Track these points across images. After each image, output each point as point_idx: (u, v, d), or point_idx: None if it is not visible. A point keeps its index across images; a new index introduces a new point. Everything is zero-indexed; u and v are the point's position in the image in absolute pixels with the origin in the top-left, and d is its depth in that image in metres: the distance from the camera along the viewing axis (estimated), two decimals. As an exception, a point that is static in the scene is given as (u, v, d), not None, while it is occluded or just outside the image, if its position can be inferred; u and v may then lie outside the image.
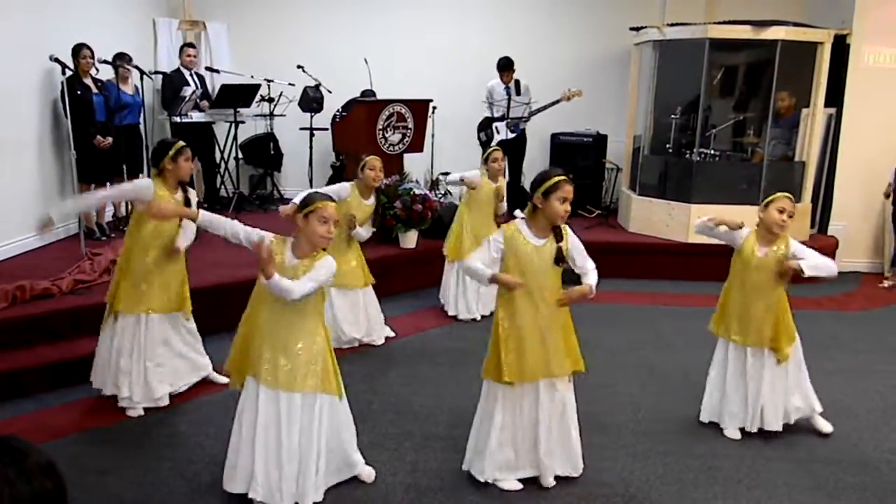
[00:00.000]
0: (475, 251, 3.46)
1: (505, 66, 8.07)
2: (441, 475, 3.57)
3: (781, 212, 3.86)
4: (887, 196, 7.20)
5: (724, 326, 4.08)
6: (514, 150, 8.32)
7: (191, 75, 7.91)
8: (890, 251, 7.36)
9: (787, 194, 3.95)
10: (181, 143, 4.14)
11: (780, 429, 4.01)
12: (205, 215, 3.69)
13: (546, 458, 3.43)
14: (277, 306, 3.07)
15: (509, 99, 8.09)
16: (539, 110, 8.11)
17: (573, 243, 3.36)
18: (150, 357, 4.14)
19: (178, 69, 7.89)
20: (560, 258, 3.29)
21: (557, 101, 7.96)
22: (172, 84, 7.75)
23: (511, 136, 8.19)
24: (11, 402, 4.20)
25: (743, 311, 3.96)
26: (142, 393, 4.14)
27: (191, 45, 8.13)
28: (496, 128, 8.20)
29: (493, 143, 8.08)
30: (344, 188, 5.05)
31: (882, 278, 7.28)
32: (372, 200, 5.21)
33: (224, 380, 4.51)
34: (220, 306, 4.72)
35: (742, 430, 4.06)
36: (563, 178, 3.23)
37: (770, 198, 3.93)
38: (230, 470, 3.24)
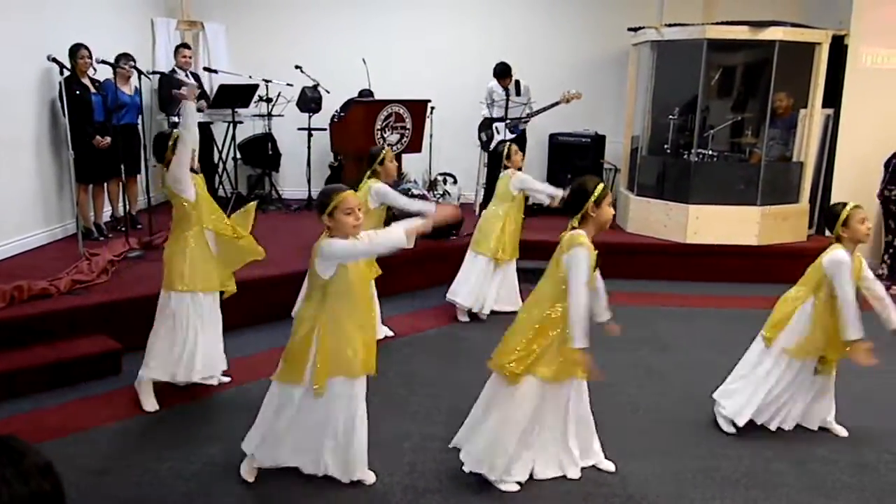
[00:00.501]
0: (580, 286, 3.29)
1: (501, 72, 8.05)
2: (439, 476, 3.57)
3: (863, 222, 3.82)
4: (880, 198, 7.20)
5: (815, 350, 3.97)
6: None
7: (186, 76, 7.91)
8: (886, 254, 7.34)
9: (855, 203, 3.88)
10: (178, 132, 4.14)
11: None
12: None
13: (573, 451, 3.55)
14: (345, 305, 3.20)
15: (508, 99, 8.09)
16: (538, 112, 8.11)
17: None
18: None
19: (174, 69, 7.90)
20: (596, 265, 3.38)
21: (556, 104, 7.97)
22: (169, 85, 7.74)
23: (511, 136, 8.19)
24: (8, 401, 4.19)
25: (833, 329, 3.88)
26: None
27: (186, 46, 8.12)
28: (496, 128, 8.20)
29: (493, 144, 8.08)
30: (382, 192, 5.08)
31: (879, 278, 7.27)
32: None
33: (226, 379, 4.50)
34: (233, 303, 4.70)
35: (738, 427, 4.10)
36: (605, 184, 3.36)
37: (845, 213, 3.81)
38: (269, 446, 3.35)
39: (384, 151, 5.18)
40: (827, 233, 7.77)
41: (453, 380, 4.71)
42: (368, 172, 5.14)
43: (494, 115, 8.22)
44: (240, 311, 4.87)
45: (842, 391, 4.50)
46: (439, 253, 6.57)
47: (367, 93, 8.20)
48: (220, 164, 8.50)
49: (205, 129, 8.15)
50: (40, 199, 6.33)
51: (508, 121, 8.12)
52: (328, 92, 8.44)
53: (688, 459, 3.80)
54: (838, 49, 7.58)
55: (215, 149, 8.42)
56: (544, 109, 8.07)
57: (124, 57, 6.70)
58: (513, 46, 8.51)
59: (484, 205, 6.79)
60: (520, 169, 5.91)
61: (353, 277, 3.21)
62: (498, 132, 8.19)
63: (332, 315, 3.20)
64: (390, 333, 5.50)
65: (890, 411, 4.47)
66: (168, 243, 4.24)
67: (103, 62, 6.26)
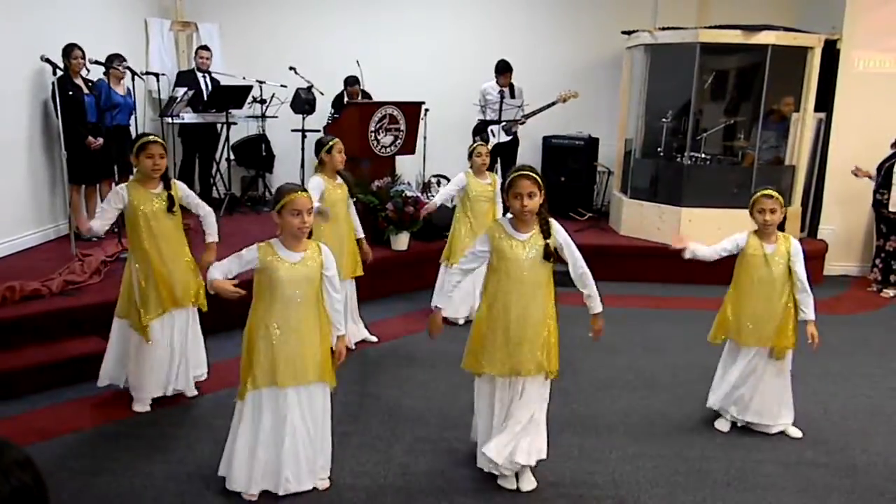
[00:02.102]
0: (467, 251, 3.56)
1: (503, 69, 8.10)
2: (431, 478, 3.57)
3: (761, 212, 3.92)
4: (855, 174, 7.22)
5: (734, 331, 4.09)
6: (507, 152, 8.33)
7: (203, 77, 7.97)
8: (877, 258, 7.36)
9: (765, 191, 3.96)
10: (147, 138, 4.06)
11: (769, 428, 4.09)
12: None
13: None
14: (287, 311, 3.18)
15: (502, 101, 8.10)
16: (535, 112, 8.12)
17: (562, 240, 3.36)
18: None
19: (192, 70, 8.05)
20: (548, 254, 3.30)
21: (553, 103, 7.99)
22: (183, 84, 7.81)
23: (506, 138, 8.21)
24: (1, 403, 4.18)
25: (753, 311, 4.00)
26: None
27: (205, 48, 8.27)
28: (491, 131, 8.21)
29: (489, 147, 8.10)
30: (317, 185, 4.86)
31: (870, 282, 7.30)
32: (340, 180, 5.06)
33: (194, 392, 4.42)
34: (210, 307, 4.68)
35: (733, 426, 4.16)
36: (518, 173, 3.27)
37: (751, 200, 3.99)
38: (242, 470, 3.29)
39: (334, 141, 4.99)
40: (819, 235, 7.82)
41: (446, 382, 4.71)
42: (316, 163, 5.03)
43: (488, 118, 8.24)
44: (234, 312, 4.86)
45: (833, 394, 4.54)
46: (431, 255, 6.57)
47: (352, 79, 8.21)
48: (214, 166, 8.49)
49: (212, 128, 8.19)
50: (33, 199, 6.31)
51: (503, 123, 8.13)
52: (322, 93, 8.44)
53: (679, 462, 3.81)
54: (831, 53, 7.61)
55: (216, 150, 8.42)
56: (541, 110, 8.08)
57: (117, 57, 6.69)
58: (507, 48, 8.51)
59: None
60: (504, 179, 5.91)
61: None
62: (493, 135, 8.20)
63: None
64: (373, 339, 5.48)
65: (879, 414, 4.50)
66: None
67: (96, 62, 6.25)
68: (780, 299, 3.97)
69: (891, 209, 6.98)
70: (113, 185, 6.76)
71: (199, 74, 8.05)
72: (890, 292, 7.11)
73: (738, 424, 4.15)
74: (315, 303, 3.25)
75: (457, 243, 5.78)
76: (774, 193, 3.94)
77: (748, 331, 4.03)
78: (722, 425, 4.18)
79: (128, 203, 4.01)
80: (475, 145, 5.93)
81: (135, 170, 4.18)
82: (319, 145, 4.99)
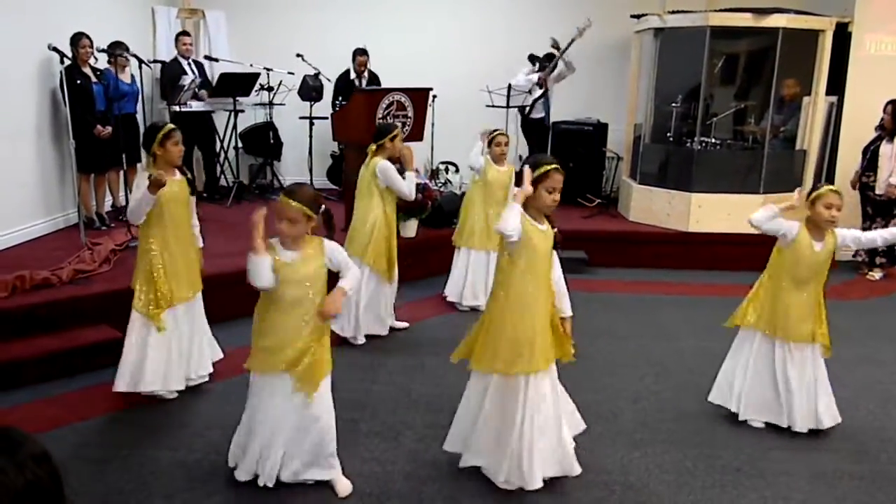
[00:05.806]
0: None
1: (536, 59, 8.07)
2: (440, 465, 3.57)
3: (829, 208, 3.78)
4: (854, 186, 7.13)
5: (761, 320, 3.97)
6: (537, 133, 8.18)
7: (188, 64, 7.88)
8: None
9: (832, 188, 3.84)
10: (169, 126, 4.04)
11: (806, 430, 3.94)
12: None
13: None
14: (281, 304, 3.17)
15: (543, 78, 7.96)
16: (563, 53, 7.77)
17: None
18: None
19: (176, 58, 7.87)
20: (556, 242, 3.24)
21: (573, 41, 7.60)
22: (170, 73, 7.73)
23: (539, 115, 8.05)
24: (11, 391, 4.20)
25: (787, 306, 3.89)
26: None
27: (185, 34, 8.08)
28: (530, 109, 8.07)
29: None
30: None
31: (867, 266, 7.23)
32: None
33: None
34: (219, 296, 4.69)
35: (767, 424, 4.03)
36: (553, 166, 3.16)
37: (816, 194, 3.83)
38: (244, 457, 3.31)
39: (398, 129, 5.11)
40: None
41: (455, 368, 4.70)
42: (374, 147, 5.02)
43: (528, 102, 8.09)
44: (242, 300, 4.87)
45: (844, 380, 4.51)
46: (439, 242, 6.56)
47: (361, 50, 8.23)
48: (222, 154, 8.49)
49: (206, 117, 8.15)
50: (42, 188, 6.33)
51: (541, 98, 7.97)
52: (329, 80, 8.41)
53: (688, 448, 3.81)
54: (842, 36, 7.54)
55: (217, 138, 8.40)
56: (566, 49, 7.74)
57: (119, 45, 6.64)
58: (515, 33, 8.48)
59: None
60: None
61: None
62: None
63: None
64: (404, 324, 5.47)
65: (891, 400, 4.47)
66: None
67: (102, 50, 6.24)
68: (814, 295, 3.91)
69: (877, 192, 6.93)
70: (121, 173, 6.78)
71: (184, 62, 7.89)
72: (875, 275, 7.07)
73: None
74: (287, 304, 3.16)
75: (467, 223, 5.80)
76: (840, 191, 3.85)
77: (772, 323, 3.94)
78: (760, 425, 4.03)
79: None
80: (495, 134, 5.86)
81: (148, 159, 4.09)
82: (382, 133, 5.07)
